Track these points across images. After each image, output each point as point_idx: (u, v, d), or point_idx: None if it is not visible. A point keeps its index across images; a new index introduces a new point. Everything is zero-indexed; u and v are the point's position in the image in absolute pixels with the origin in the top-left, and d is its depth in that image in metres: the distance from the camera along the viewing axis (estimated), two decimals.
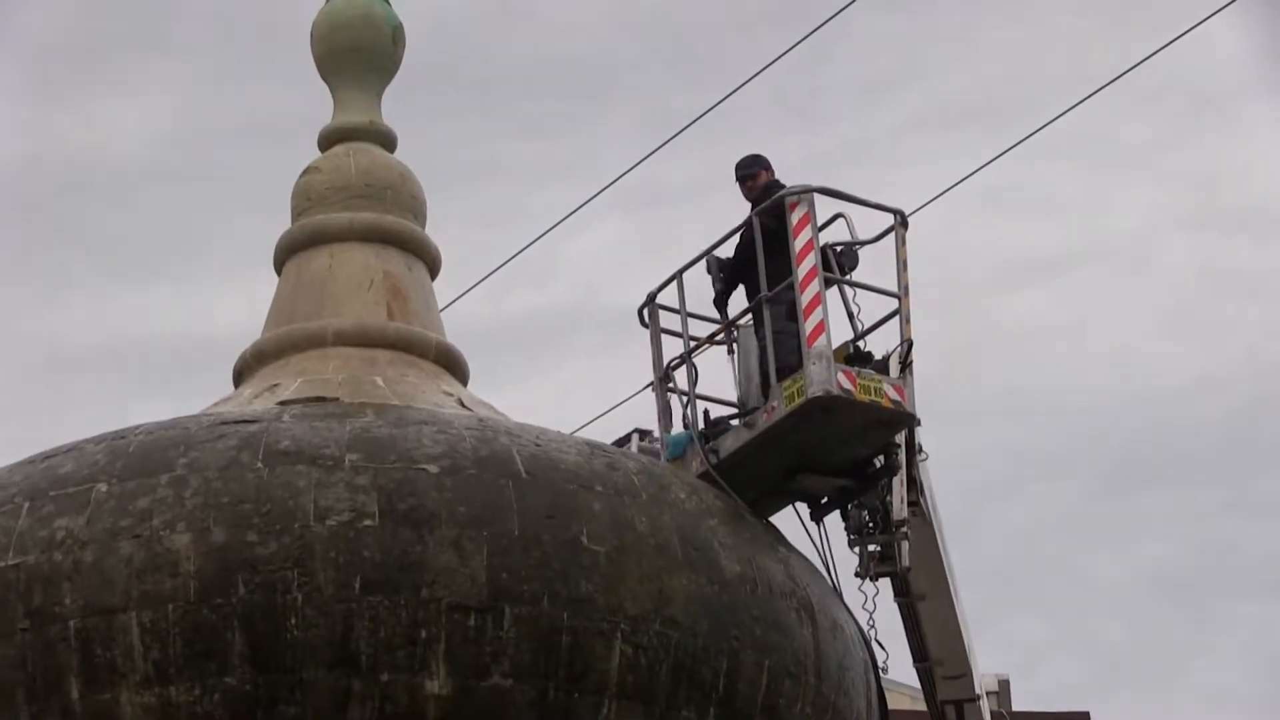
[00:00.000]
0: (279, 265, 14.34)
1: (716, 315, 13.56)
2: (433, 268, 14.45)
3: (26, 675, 11.28)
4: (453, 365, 13.99)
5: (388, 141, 14.73)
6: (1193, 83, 44.19)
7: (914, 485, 13.01)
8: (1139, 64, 15.04)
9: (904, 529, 12.76)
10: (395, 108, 14.96)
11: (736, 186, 13.77)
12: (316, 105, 14.94)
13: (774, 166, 13.79)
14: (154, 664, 11.14)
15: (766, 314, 12.82)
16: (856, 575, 12.87)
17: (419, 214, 14.49)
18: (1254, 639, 46.22)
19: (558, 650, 11.32)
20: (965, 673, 13.77)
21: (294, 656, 11.13)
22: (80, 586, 11.29)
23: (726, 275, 13.44)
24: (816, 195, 12.90)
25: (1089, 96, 15.25)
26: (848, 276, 13.11)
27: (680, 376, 13.46)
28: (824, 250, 12.89)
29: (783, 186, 13.32)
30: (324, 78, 14.87)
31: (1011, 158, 15.82)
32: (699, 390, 13.33)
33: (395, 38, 14.86)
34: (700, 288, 13.57)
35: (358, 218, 14.19)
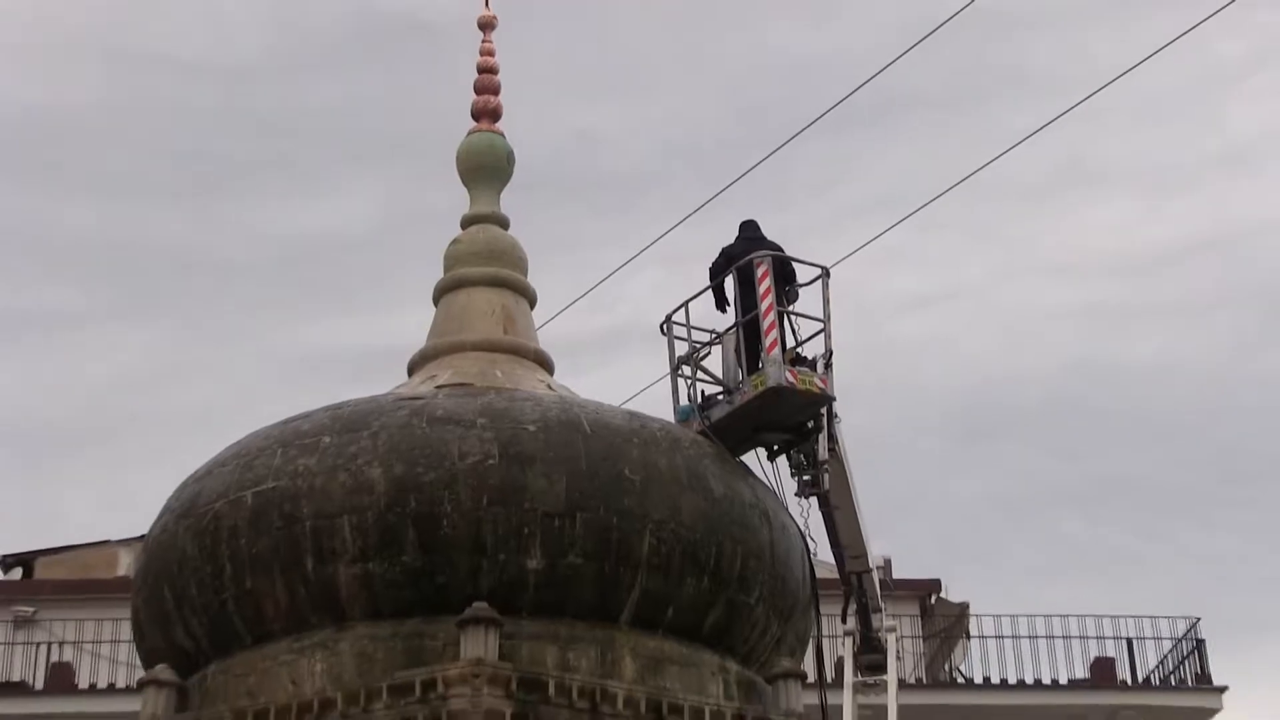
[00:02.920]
0: (436, 300, 14.44)
1: (711, 330, 13.35)
2: (532, 302, 14.48)
3: (280, 557, 11.60)
4: (544, 363, 14.02)
5: (503, 223, 14.78)
6: (1020, 180, 47.07)
7: (833, 438, 13.00)
8: (980, 169, 14.85)
9: (825, 466, 12.83)
10: (509, 200, 15.00)
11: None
12: (459, 201, 14.96)
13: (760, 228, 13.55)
14: (359, 549, 11.43)
15: (740, 332, 13.01)
16: (796, 495, 13.00)
17: (523, 268, 14.54)
18: (1053, 535, 49.55)
19: (610, 542, 11.53)
20: (863, 554, 13.53)
21: (445, 545, 11.36)
22: (313, 501, 11.58)
23: (716, 283, 13.38)
24: (774, 257, 13.07)
25: (946, 191, 15.07)
26: (792, 306, 13.20)
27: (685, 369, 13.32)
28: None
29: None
30: (464, 184, 14.94)
31: (905, 229, 15.62)
32: (698, 377, 13.27)
33: (508, 159, 14.99)
34: (701, 310, 13.50)
35: (484, 271, 14.29)
